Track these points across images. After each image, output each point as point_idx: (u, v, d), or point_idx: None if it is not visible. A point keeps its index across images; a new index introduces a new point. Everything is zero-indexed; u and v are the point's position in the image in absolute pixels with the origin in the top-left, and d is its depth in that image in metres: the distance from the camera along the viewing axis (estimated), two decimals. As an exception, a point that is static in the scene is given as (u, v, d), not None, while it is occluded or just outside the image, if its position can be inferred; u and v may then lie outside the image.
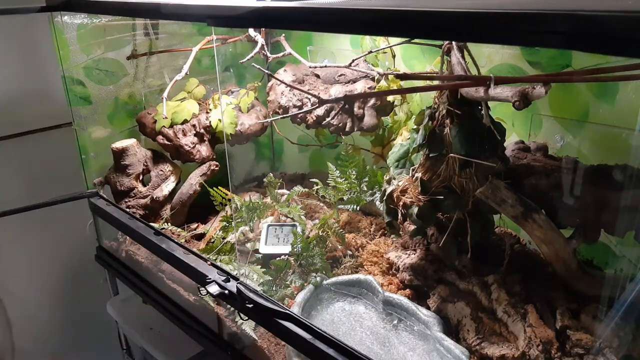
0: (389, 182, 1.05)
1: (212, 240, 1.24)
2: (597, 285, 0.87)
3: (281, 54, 1.33)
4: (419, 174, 0.97)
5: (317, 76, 1.33)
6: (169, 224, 1.31)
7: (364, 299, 1.02)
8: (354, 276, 1.05)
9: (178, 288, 1.23)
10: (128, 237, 1.38)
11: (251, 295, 0.93)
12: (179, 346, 1.32)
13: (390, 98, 1.22)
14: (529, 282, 0.92)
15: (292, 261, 1.09)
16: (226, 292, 0.97)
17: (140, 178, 1.42)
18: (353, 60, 1.18)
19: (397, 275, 1.07)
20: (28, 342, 1.78)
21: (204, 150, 1.38)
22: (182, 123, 1.37)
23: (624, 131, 0.95)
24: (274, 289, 1.06)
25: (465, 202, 0.92)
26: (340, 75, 1.29)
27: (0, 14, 1.35)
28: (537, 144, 0.99)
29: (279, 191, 1.33)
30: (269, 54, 1.37)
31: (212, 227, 1.31)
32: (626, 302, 0.76)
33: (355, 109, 1.23)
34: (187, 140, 1.36)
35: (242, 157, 1.75)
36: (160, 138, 1.38)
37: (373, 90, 1.21)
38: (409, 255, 1.07)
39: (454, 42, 0.91)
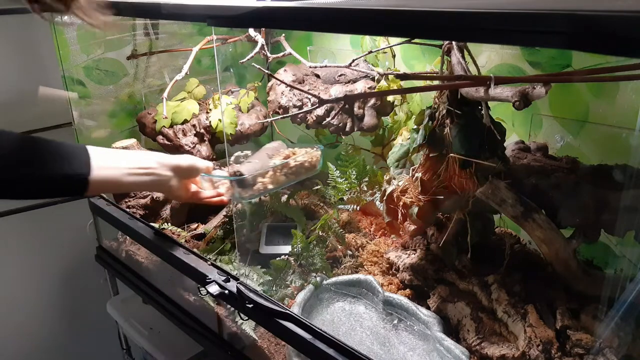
0: (389, 182, 1.05)
1: (213, 240, 1.24)
2: (597, 285, 0.87)
3: (281, 54, 1.33)
4: (419, 174, 0.97)
5: (317, 76, 1.33)
6: (169, 224, 1.31)
7: (364, 299, 1.02)
8: (354, 276, 1.05)
9: (178, 288, 1.23)
10: (128, 237, 1.38)
11: (251, 295, 0.93)
12: (179, 346, 1.32)
13: (390, 98, 1.22)
14: (529, 282, 0.92)
15: (292, 261, 1.10)
16: (226, 292, 0.97)
17: (140, 178, 1.42)
18: (353, 60, 1.18)
19: (397, 275, 1.07)
20: (27, 342, 1.78)
21: (204, 150, 1.38)
22: (182, 123, 1.37)
23: (624, 131, 0.96)
24: (274, 289, 1.06)
25: (465, 202, 0.92)
26: (340, 75, 1.29)
27: (1, 14, 1.35)
28: (537, 144, 0.99)
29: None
30: (269, 54, 1.37)
31: (213, 227, 1.31)
32: (626, 302, 0.76)
33: (355, 109, 1.23)
34: (187, 140, 1.36)
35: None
36: (160, 138, 1.38)
37: (373, 90, 1.22)
38: (409, 255, 1.07)
39: (454, 42, 0.91)
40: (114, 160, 0.93)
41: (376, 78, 1.22)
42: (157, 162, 0.99)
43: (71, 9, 0.42)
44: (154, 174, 0.98)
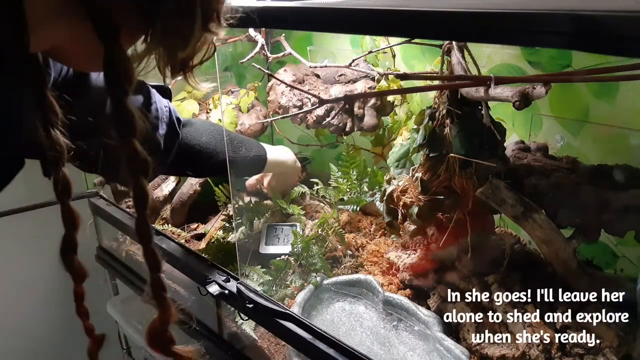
0: (389, 182, 1.05)
1: (213, 241, 1.24)
2: (597, 285, 0.87)
3: (281, 54, 1.33)
4: (419, 174, 0.97)
5: (317, 76, 1.33)
6: (169, 224, 1.31)
7: (364, 299, 1.02)
8: (354, 276, 1.05)
9: (178, 288, 1.23)
10: (128, 237, 1.37)
11: (251, 295, 0.93)
12: (179, 346, 1.32)
13: (390, 98, 1.22)
14: (529, 282, 0.92)
15: (292, 261, 1.10)
16: (226, 292, 0.97)
17: (141, 178, 1.42)
18: (353, 60, 1.18)
19: (397, 275, 1.07)
20: (27, 342, 1.78)
21: (204, 150, 1.38)
22: (182, 123, 1.37)
23: (624, 131, 0.96)
24: (274, 289, 1.06)
25: (465, 202, 0.92)
26: (340, 75, 1.29)
27: None
28: (537, 144, 0.99)
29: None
30: (269, 54, 1.37)
31: (213, 227, 1.31)
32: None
33: (355, 109, 1.23)
34: (187, 140, 1.36)
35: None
36: (160, 138, 1.38)
37: (373, 90, 1.21)
38: (409, 255, 1.07)
39: (454, 42, 0.91)
40: (272, 147, 1.23)
41: (376, 78, 1.22)
42: (288, 150, 1.30)
43: (187, 78, 0.56)
44: (293, 158, 1.30)
